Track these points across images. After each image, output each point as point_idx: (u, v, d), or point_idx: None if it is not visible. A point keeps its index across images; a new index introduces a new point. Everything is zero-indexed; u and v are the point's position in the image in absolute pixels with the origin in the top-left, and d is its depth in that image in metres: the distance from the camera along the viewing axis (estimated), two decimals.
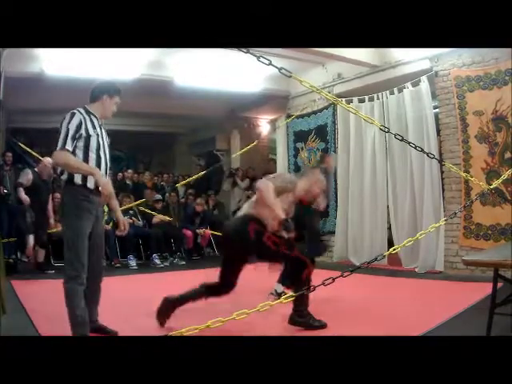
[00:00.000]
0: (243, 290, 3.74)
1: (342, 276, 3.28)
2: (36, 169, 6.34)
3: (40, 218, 6.18)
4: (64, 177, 2.93)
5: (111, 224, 7.42)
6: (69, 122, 2.89)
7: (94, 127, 2.99)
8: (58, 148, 2.83)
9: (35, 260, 6.30)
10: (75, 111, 2.95)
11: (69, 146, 2.83)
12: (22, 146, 7.54)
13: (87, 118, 2.97)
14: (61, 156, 2.83)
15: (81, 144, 2.90)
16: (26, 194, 5.97)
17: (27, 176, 6.10)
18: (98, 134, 3.02)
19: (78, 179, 2.90)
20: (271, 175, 3.58)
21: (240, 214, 3.53)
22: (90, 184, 2.93)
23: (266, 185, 3.34)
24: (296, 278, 3.35)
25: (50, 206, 6.42)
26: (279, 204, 3.33)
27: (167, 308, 3.33)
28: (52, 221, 6.47)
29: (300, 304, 3.35)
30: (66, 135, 2.84)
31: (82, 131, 2.91)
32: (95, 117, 3.05)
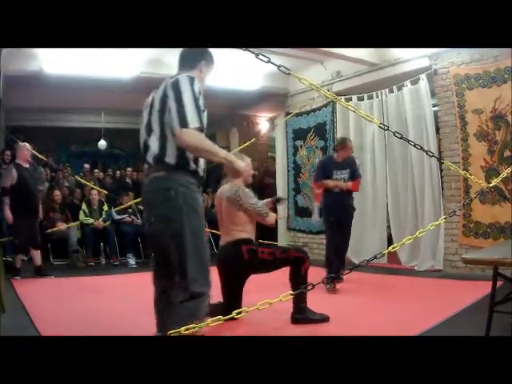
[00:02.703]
0: (244, 288, 3.75)
1: (341, 274, 3.31)
2: (17, 160, 5.77)
3: (30, 216, 5.68)
4: (170, 160, 2.20)
5: (109, 222, 7.43)
6: (193, 89, 2.15)
7: None
8: (187, 124, 2.08)
9: (33, 264, 5.89)
10: (192, 75, 2.24)
11: (200, 123, 2.13)
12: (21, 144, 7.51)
13: None
14: (194, 136, 2.11)
15: None
16: (13, 191, 5.49)
17: (11, 175, 5.55)
18: None
19: (192, 165, 2.26)
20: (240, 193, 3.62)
21: (230, 238, 3.62)
22: (201, 170, 2.33)
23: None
24: (296, 275, 3.43)
25: (39, 200, 5.95)
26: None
27: None
28: (41, 216, 6.07)
29: (300, 301, 3.40)
30: (197, 106, 2.12)
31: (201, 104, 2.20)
32: None
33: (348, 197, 5.13)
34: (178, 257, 2.16)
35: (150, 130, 2.25)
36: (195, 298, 2.14)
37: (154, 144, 2.22)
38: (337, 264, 4.80)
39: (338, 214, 5.01)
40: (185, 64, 2.39)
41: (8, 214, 5.46)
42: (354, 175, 5.12)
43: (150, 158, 2.24)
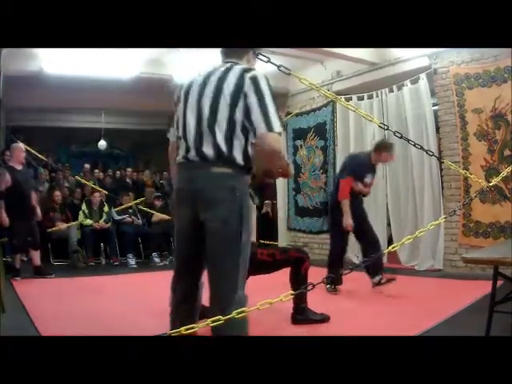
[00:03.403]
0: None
1: (341, 274, 3.31)
2: (10, 162, 5.70)
3: (26, 218, 5.64)
4: (238, 159, 2.08)
5: (110, 223, 7.43)
6: (271, 89, 2.07)
7: None
8: (272, 128, 2.00)
9: (32, 264, 5.90)
10: (253, 69, 2.15)
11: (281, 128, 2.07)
12: (21, 144, 7.52)
13: None
14: (279, 142, 2.06)
15: None
16: (7, 194, 5.38)
17: (4, 178, 5.42)
18: None
19: (253, 167, 2.19)
20: None
21: None
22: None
23: None
24: (296, 276, 3.42)
25: (34, 201, 5.88)
26: None
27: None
28: (39, 216, 5.99)
29: (300, 301, 3.40)
30: (277, 110, 2.06)
31: None
32: None
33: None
34: (229, 260, 2.03)
35: (213, 121, 2.06)
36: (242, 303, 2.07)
37: (219, 137, 2.05)
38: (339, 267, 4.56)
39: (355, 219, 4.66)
40: (232, 52, 2.24)
41: (4, 217, 5.38)
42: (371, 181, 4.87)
43: (209, 150, 2.05)
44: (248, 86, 2.02)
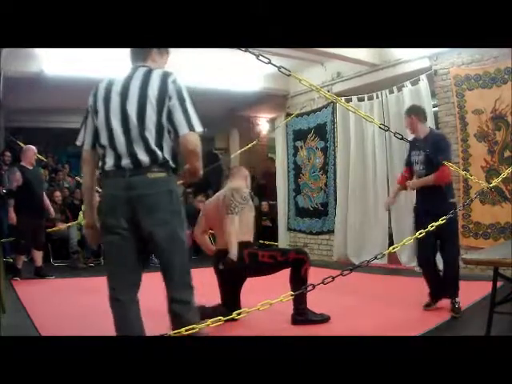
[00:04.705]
0: (244, 289, 3.75)
1: (341, 275, 3.30)
2: (22, 162, 5.80)
3: (34, 217, 5.68)
4: (170, 162, 2.17)
5: None
6: (187, 91, 2.18)
7: None
8: (194, 128, 2.09)
9: (34, 264, 5.93)
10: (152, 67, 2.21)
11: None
12: (22, 145, 7.52)
13: None
14: (199, 141, 2.12)
15: None
16: (18, 193, 5.53)
17: (14, 177, 5.57)
18: None
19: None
20: (232, 201, 3.54)
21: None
22: None
23: (231, 222, 3.44)
24: (296, 277, 3.42)
25: (46, 201, 6.02)
26: (235, 243, 3.42)
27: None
28: (53, 213, 6.26)
29: (300, 302, 3.40)
30: (196, 110, 2.15)
31: None
32: None
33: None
34: (178, 257, 2.15)
35: (142, 127, 2.09)
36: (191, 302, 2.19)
37: (151, 143, 2.09)
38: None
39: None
40: (136, 54, 2.24)
41: (12, 215, 5.48)
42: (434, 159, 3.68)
43: (144, 157, 2.08)
44: (171, 90, 2.08)
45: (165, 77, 2.11)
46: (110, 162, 2.12)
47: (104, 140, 2.13)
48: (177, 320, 2.15)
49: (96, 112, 2.16)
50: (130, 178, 2.08)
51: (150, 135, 2.08)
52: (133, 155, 2.08)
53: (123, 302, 2.23)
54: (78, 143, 2.30)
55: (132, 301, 2.23)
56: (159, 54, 2.28)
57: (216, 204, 3.68)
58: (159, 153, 2.09)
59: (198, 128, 2.09)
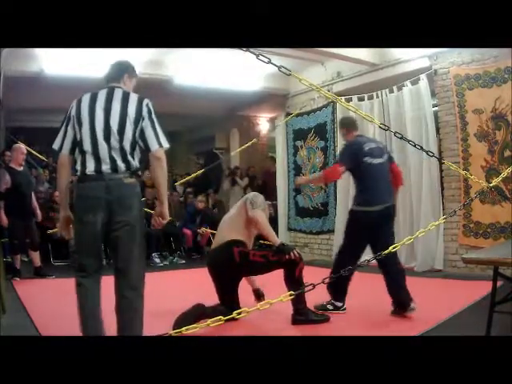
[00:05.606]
0: (244, 289, 3.75)
1: (341, 274, 3.31)
2: (10, 164, 5.67)
3: (25, 219, 5.65)
4: (137, 169, 2.64)
5: None
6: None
7: None
8: (162, 144, 2.53)
9: (32, 265, 5.91)
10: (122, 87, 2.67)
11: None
12: (22, 144, 7.52)
13: None
14: (164, 156, 2.57)
15: None
16: (7, 194, 5.40)
17: (4, 180, 5.41)
18: None
19: None
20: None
21: (222, 240, 3.64)
22: None
23: (261, 216, 3.57)
24: (290, 277, 3.41)
25: (34, 203, 5.88)
26: (273, 232, 3.59)
27: (195, 315, 3.22)
28: (39, 217, 5.99)
29: (299, 302, 3.39)
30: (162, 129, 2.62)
31: None
32: None
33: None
34: (138, 249, 2.55)
35: (121, 139, 2.46)
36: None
37: (128, 153, 2.49)
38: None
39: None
40: (112, 76, 2.74)
41: (3, 218, 5.39)
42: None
43: (121, 164, 2.47)
44: (145, 112, 2.50)
45: (140, 100, 2.53)
46: (90, 166, 2.47)
47: (87, 147, 2.47)
48: (124, 302, 2.57)
49: (80, 122, 2.50)
50: (109, 181, 2.45)
51: (127, 147, 2.48)
52: (113, 161, 2.46)
53: (87, 286, 2.81)
54: (55, 147, 2.59)
55: (95, 282, 2.78)
56: (129, 79, 2.75)
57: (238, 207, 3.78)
58: (133, 162, 2.51)
59: (166, 144, 2.52)
